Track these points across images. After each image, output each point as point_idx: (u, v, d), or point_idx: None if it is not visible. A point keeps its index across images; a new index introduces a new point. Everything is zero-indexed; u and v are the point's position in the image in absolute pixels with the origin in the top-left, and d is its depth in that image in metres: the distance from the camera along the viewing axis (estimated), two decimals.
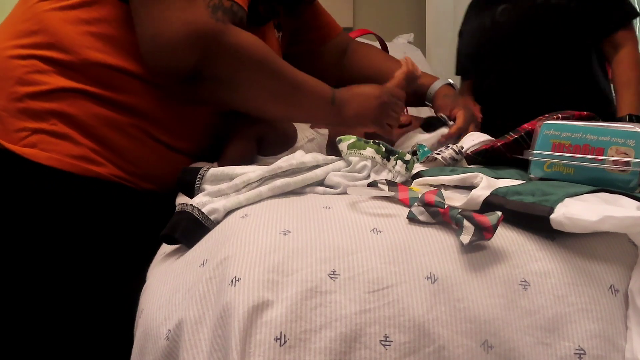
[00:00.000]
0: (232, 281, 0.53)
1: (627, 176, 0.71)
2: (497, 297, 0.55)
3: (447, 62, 1.84)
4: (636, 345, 0.55)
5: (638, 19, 1.67)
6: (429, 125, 1.13)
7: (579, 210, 0.57)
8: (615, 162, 0.71)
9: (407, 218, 0.62)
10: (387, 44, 1.65)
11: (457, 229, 0.58)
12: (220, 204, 0.67)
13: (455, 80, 1.34)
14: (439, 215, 0.61)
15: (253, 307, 0.51)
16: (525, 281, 0.57)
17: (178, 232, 0.66)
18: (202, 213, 0.66)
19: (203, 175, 0.74)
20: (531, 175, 0.78)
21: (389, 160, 0.79)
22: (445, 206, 0.62)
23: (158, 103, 0.86)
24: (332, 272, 0.54)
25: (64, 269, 0.79)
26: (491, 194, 0.65)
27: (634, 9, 1.46)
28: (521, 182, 0.74)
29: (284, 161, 0.74)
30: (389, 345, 0.52)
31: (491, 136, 1.03)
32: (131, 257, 0.80)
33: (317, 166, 0.76)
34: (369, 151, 0.78)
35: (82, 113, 0.81)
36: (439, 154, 0.93)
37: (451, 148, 0.94)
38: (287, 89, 0.87)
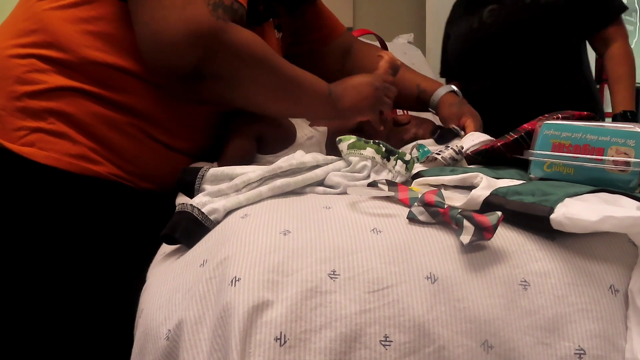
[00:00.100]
0: (232, 281, 0.53)
1: (627, 176, 0.71)
2: (497, 297, 0.55)
3: None
4: (636, 345, 0.55)
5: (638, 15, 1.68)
6: (441, 137, 1.13)
7: (579, 210, 0.57)
8: (615, 162, 0.71)
9: (407, 218, 0.62)
10: (387, 44, 1.65)
11: (457, 229, 0.58)
12: (220, 204, 0.67)
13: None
14: (439, 215, 0.61)
15: (253, 307, 0.51)
16: (525, 281, 0.57)
17: (178, 232, 0.66)
18: (202, 213, 0.66)
19: (203, 175, 0.74)
20: (531, 175, 0.78)
21: (389, 160, 0.79)
22: (445, 206, 0.62)
23: (157, 102, 0.86)
24: (332, 272, 0.54)
25: (63, 269, 0.79)
26: (491, 194, 0.65)
27: (622, 3, 1.45)
28: (521, 182, 0.74)
29: (284, 161, 0.74)
30: (389, 345, 0.52)
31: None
32: (131, 257, 0.80)
33: (317, 166, 0.76)
34: (369, 151, 0.78)
35: (80, 112, 0.81)
36: (439, 154, 0.93)
37: (451, 148, 0.94)
38: (286, 85, 0.87)
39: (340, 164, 0.77)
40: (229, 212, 0.68)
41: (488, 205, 0.64)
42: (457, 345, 0.53)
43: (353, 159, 0.77)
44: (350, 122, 1.01)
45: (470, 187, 0.72)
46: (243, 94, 0.85)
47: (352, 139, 0.80)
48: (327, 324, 0.52)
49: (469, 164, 0.97)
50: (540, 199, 0.62)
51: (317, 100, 0.92)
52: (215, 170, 0.74)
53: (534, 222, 0.60)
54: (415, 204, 0.63)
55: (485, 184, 0.68)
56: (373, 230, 0.59)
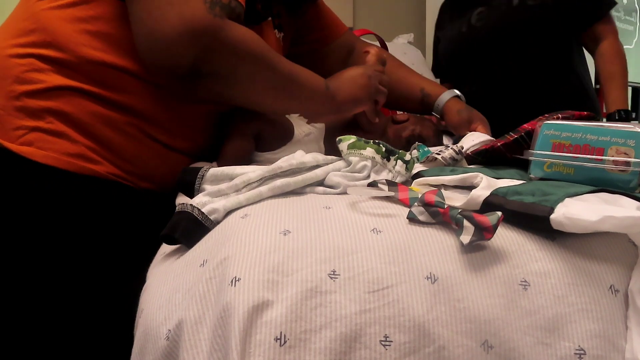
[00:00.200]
0: (232, 281, 0.53)
1: (627, 176, 0.71)
2: (497, 297, 0.55)
3: None
4: (636, 346, 0.55)
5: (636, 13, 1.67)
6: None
7: (579, 210, 0.57)
8: (615, 162, 0.71)
9: (407, 218, 0.62)
10: (387, 44, 1.65)
11: (457, 229, 0.58)
12: (220, 204, 0.67)
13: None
14: (439, 215, 0.61)
15: (253, 307, 0.51)
16: (525, 281, 0.57)
17: (178, 232, 0.66)
18: (202, 213, 0.66)
19: (203, 175, 0.74)
20: (531, 175, 0.78)
21: (389, 160, 0.79)
22: (445, 206, 0.62)
23: (156, 102, 0.86)
24: (332, 272, 0.54)
25: (62, 269, 0.79)
26: (491, 194, 0.65)
27: (608, 1, 1.43)
28: (521, 182, 0.74)
29: (284, 161, 0.74)
30: (389, 345, 0.52)
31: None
32: (131, 257, 0.80)
33: (317, 166, 0.76)
34: (369, 151, 0.78)
35: (78, 111, 0.81)
36: (439, 154, 0.93)
37: (451, 148, 0.94)
38: (284, 81, 0.87)
39: (340, 164, 0.77)
40: (229, 212, 0.68)
41: (488, 205, 0.64)
42: (457, 345, 0.53)
43: (353, 159, 0.77)
44: (347, 114, 1.03)
45: (470, 187, 0.72)
46: (241, 91, 0.85)
47: (352, 139, 0.80)
48: (327, 324, 0.52)
49: (469, 164, 0.97)
50: (540, 199, 0.62)
51: (315, 95, 0.93)
52: (215, 170, 0.74)
53: (534, 222, 0.60)
54: (415, 204, 0.63)
55: (485, 184, 0.68)
56: (373, 230, 0.59)
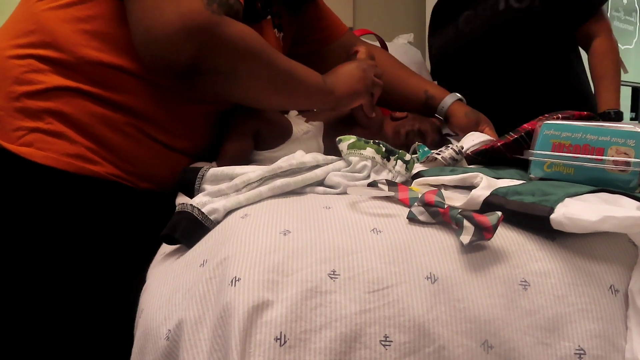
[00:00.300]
0: (232, 281, 0.53)
1: (627, 176, 0.71)
2: (497, 297, 0.55)
3: None
4: (636, 346, 0.55)
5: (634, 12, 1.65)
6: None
7: (579, 210, 0.57)
8: (615, 162, 0.72)
9: (407, 218, 0.62)
10: (387, 44, 1.65)
11: (457, 229, 0.58)
12: (220, 204, 0.67)
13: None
14: (439, 215, 0.61)
15: (253, 307, 0.51)
16: (525, 281, 0.57)
17: (178, 232, 0.66)
18: (202, 213, 0.66)
19: (203, 175, 0.74)
20: (531, 175, 0.78)
21: (389, 160, 0.79)
22: (445, 206, 0.62)
23: (155, 101, 0.86)
24: (332, 272, 0.54)
25: (62, 269, 0.79)
26: (491, 194, 0.65)
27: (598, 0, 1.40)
28: (521, 182, 0.74)
29: (284, 161, 0.74)
30: (389, 345, 0.52)
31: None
32: (131, 257, 0.80)
33: (317, 166, 0.76)
34: (369, 151, 0.78)
35: (77, 112, 0.81)
36: (439, 154, 0.93)
37: (451, 148, 0.94)
38: (283, 77, 0.88)
39: (340, 164, 0.77)
40: (229, 212, 0.68)
41: (488, 205, 0.64)
42: (457, 345, 0.53)
43: (353, 159, 0.77)
44: (345, 108, 1.03)
45: (470, 187, 0.72)
46: (240, 88, 0.85)
47: (352, 139, 0.80)
48: (327, 324, 0.52)
49: (469, 164, 0.97)
50: (540, 199, 0.62)
51: (314, 91, 0.93)
52: (215, 170, 0.74)
53: (534, 222, 0.60)
54: (415, 204, 0.63)
55: (485, 184, 0.68)
56: (373, 230, 0.59)
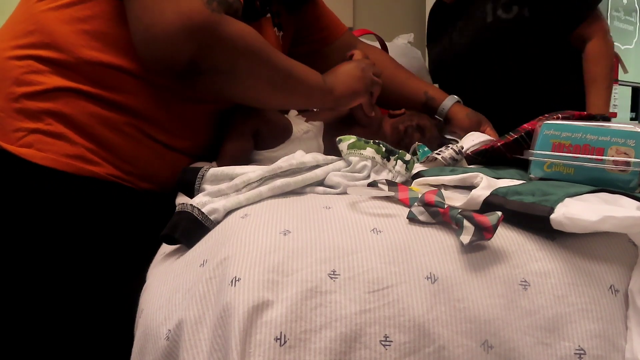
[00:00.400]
0: (232, 281, 0.53)
1: (627, 176, 0.71)
2: (497, 297, 0.55)
3: None
4: (636, 346, 0.55)
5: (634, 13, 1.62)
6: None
7: (579, 210, 0.57)
8: (615, 162, 0.72)
9: (407, 218, 0.62)
10: (387, 44, 1.65)
11: (457, 229, 0.58)
12: (220, 204, 0.67)
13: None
14: (439, 215, 0.61)
15: (253, 307, 0.51)
16: (525, 281, 0.57)
17: (178, 232, 0.66)
18: (202, 213, 0.66)
19: (203, 175, 0.74)
20: (531, 175, 0.78)
21: (389, 160, 0.79)
22: (445, 206, 0.62)
23: (155, 101, 0.86)
24: (332, 272, 0.54)
25: (62, 270, 0.79)
26: (491, 194, 0.65)
27: (589, 1, 1.37)
28: (521, 182, 0.74)
29: (284, 161, 0.74)
30: (389, 345, 0.52)
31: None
32: (131, 257, 0.80)
33: (317, 166, 0.76)
34: (369, 151, 0.78)
35: (77, 112, 0.81)
36: (439, 154, 0.93)
37: (451, 148, 0.94)
38: (283, 76, 0.88)
39: (340, 164, 0.77)
40: (229, 212, 0.68)
41: (488, 205, 0.64)
42: (457, 345, 0.53)
43: (353, 159, 0.77)
44: (345, 108, 1.04)
45: (470, 187, 0.72)
46: (240, 87, 0.85)
47: (352, 139, 0.80)
48: (327, 324, 0.52)
49: (469, 164, 0.97)
50: (540, 199, 0.62)
51: (314, 90, 0.93)
52: (215, 170, 0.74)
53: (534, 222, 0.60)
54: (415, 204, 0.63)
55: (485, 184, 0.68)
56: (373, 230, 0.59)
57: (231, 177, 0.73)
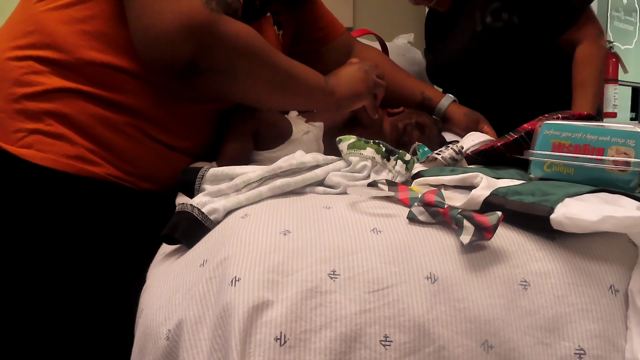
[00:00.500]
0: (232, 281, 0.53)
1: (627, 176, 0.71)
2: (497, 297, 0.55)
3: None
4: (636, 346, 0.55)
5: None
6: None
7: (579, 210, 0.57)
8: (615, 162, 0.72)
9: (407, 218, 0.62)
10: (387, 44, 1.65)
11: (457, 229, 0.58)
12: (220, 204, 0.67)
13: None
14: (439, 215, 0.61)
15: (253, 307, 0.51)
16: (525, 281, 0.57)
17: (178, 232, 0.66)
18: (202, 213, 0.66)
19: (203, 175, 0.74)
20: (531, 175, 0.78)
21: (389, 160, 0.79)
22: (445, 206, 0.62)
23: (155, 101, 0.86)
24: (332, 272, 0.54)
25: (62, 270, 0.79)
26: (491, 194, 0.65)
27: (579, 3, 1.35)
28: (521, 182, 0.74)
29: (284, 161, 0.74)
30: (389, 345, 0.52)
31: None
32: (131, 257, 0.80)
33: (317, 166, 0.76)
34: (369, 151, 0.78)
35: (77, 113, 0.81)
36: (439, 154, 0.93)
37: (451, 148, 0.94)
38: (283, 76, 0.87)
39: (340, 164, 0.77)
40: (229, 212, 0.68)
41: (488, 205, 0.64)
42: (457, 345, 0.53)
43: (353, 159, 0.77)
44: (348, 110, 1.03)
45: (470, 187, 0.72)
46: (239, 87, 0.85)
47: (352, 139, 0.80)
48: (327, 324, 0.52)
49: (469, 164, 0.97)
50: (540, 199, 0.62)
51: (315, 91, 0.93)
52: (215, 170, 0.74)
53: (534, 222, 0.60)
54: (415, 204, 0.63)
55: (485, 184, 0.68)
56: (373, 230, 0.59)
57: (231, 177, 0.73)
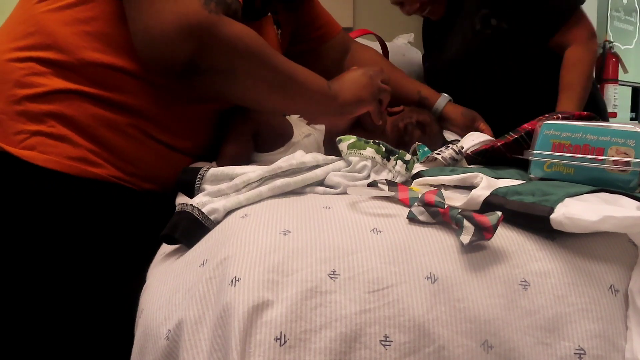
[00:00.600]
0: (232, 281, 0.53)
1: (627, 176, 0.71)
2: (497, 297, 0.55)
3: None
4: (636, 345, 0.55)
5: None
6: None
7: (579, 210, 0.57)
8: (615, 162, 0.72)
9: (407, 218, 0.62)
10: (387, 44, 1.65)
11: (457, 229, 0.58)
12: (220, 204, 0.67)
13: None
14: (439, 215, 0.61)
15: (253, 307, 0.51)
16: (525, 281, 0.57)
17: (178, 232, 0.66)
18: (202, 213, 0.66)
19: (203, 175, 0.74)
20: (531, 175, 0.78)
21: (389, 160, 0.79)
22: (445, 206, 0.62)
23: (157, 102, 0.86)
24: (332, 272, 0.54)
25: (63, 271, 0.79)
26: (491, 194, 0.65)
27: (568, 7, 1.34)
28: (521, 182, 0.74)
29: (284, 161, 0.74)
30: (389, 345, 0.52)
31: None
32: (131, 257, 0.80)
33: (317, 166, 0.76)
34: (369, 151, 0.78)
35: (80, 114, 0.81)
36: (439, 154, 0.93)
37: (451, 148, 0.94)
38: (283, 79, 0.87)
39: (340, 164, 0.77)
40: (229, 212, 0.68)
41: (488, 205, 0.64)
42: (457, 345, 0.53)
43: (353, 159, 0.77)
44: (351, 115, 1.02)
45: (470, 187, 0.72)
46: (239, 88, 0.85)
47: (352, 139, 0.80)
48: (327, 324, 0.52)
49: (469, 164, 0.97)
50: (540, 199, 0.62)
51: (316, 95, 0.92)
52: (215, 170, 0.74)
53: (534, 222, 0.60)
54: (415, 204, 0.63)
55: (485, 184, 0.68)
56: (373, 230, 0.59)
57: (231, 177, 0.73)
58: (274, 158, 0.93)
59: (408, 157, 0.81)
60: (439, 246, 0.58)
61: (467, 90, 1.43)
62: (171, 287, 0.61)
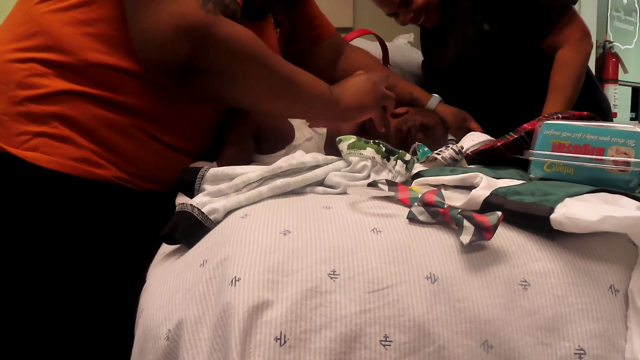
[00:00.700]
0: (232, 281, 0.53)
1: (627, 176, 0.71)
2: (497, 297, 0.55)
3: None
4: (636, 345, 0.55)
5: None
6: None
7: (579, 210, 0.57)
8: (615, 162, 0.72)
9: (407, 218, 0.62)
10: (387, 44, 1.65)
11: (457, 229, 0.58)
12: (220, 204, 0.67)
13: None
14: (439, 215, 0.61)
15: (253, 307, 0.51)
16: (525, 281, 0.57)
17: (178, 232, 0.66)
18: (202, 213, 0.66)
19: (203, 175, 0.74)
20: (531, 175, 0.78)
21: (389, 160, 0.79)
22: (445, 206, 0.62)
23: (159, 103, 0.86)
24: (332, 272, 0.54)
25: (64, 271, 0.79)
26: (491, 194, 0.65)
27: (558, 9, 1.33)
28: (521, 182, 0.74)
29: (284, 161, 0.74)
30: (389, 345, 0.52)
31: None
32: (131, 257, 0.80)
33: (317, 166, 0.76)
34: (369, 151, 0.78)
35: (82, 115, 0.81)
36: (439, 154, 0.93)
37: (451, 148, 0.94)
38: (282, 81, 0.86)
39: (340, 164, 0.77)
40: (229, 212, 0.68)
41: (488, 205, 0.64)
42: (457, 345, 0.53)
43: (353, 159, 0.77)
44: (353, 121, 1.01)
45: (470, 187, 0.72)
46: (237, 90, 0.85)
47: (352, 139, 0.80)
48: (327, 324, 0.52)
49: (469, 164, 0.97)
50: (540, 199, 0.62)
51: (317, 99, 0.92)
52: (215, 170, 0.74)
53: (534, 222, 0.60)
54: (415, 204, 0.63)
55: (485, 184, 0.68)
56: (373, 230, 0.59)
57: (231, 177, 0.73)
58: (274, 160, 0.93)
59: (408, 157, 0.81)
60: (439, 246, 0.58)
61: (466, 94, 1.43)
62: (171, 287, 0.61)
